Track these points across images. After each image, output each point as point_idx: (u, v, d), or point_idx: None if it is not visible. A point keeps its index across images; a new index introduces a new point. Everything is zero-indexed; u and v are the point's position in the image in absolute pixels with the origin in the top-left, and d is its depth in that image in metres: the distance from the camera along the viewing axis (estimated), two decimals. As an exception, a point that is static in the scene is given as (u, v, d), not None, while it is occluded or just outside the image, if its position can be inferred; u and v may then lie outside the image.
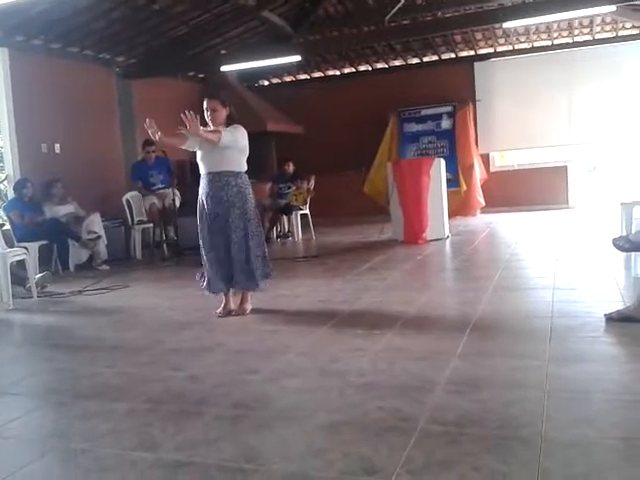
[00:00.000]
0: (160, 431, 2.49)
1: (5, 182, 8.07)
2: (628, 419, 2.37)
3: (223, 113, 4.40)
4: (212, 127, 4.37)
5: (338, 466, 2.09)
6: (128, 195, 8.60)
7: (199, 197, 4.49)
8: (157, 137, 4.11)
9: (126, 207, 8.52)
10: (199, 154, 4.44)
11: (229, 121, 4.43)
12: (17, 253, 5.87)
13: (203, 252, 4.52)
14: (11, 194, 7.61)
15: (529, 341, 3.43)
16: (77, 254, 7.56)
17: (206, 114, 4.37)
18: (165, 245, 8.56)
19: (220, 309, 4.56)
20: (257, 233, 4.53)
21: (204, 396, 2.87)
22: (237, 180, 4.40)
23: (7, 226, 7.16)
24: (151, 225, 8.52)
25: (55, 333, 4.57)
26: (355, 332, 3.85)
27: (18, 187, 7.35)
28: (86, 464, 2.25)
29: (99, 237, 7.69)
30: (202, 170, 4.46)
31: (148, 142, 8.58)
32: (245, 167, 4.50)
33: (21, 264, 5.94)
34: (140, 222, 8.57)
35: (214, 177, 4.38)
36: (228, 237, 4.38)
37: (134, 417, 2.68)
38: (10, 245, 6.28)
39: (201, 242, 4.53)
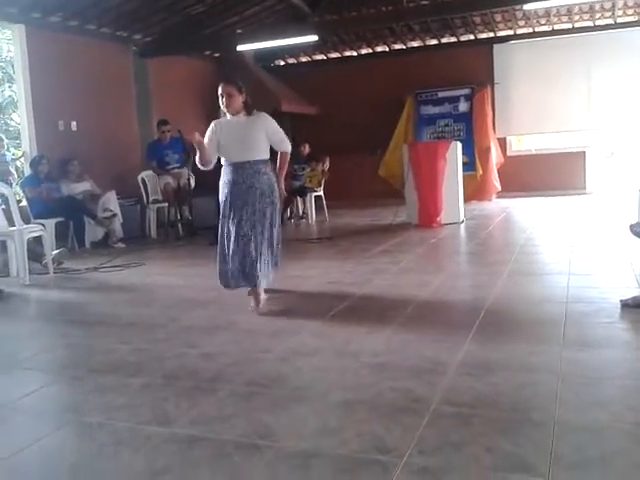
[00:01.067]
0: (174, 406, 2.52)
1: (22, 159, 8.11)
2: (642, 405, 2.37)
3: (239, 99, 4.10)
4: (227, 113, 4.14)
5: (351, 445, 2.10)
6: (143, 174, 8.63)
7: (221, 190, 4.20)
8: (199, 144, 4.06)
9: (141, 186, 8.56)
10: (222, 145, 4.16)
11: (249, 109, 4.17)
12: (34, 229, 5.92)
13: (226, 245, 4.15)
14: (28, 171, 7.66)
15: (543, 326, 3.42)
16: (93, 231, 7.62)
17: (221, 100, 4.09)
18: (180, 224, 8.59)
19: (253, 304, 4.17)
20: (278, 223, 4.36)
21: (218, 373, 2.90)
22: (267, 168, 4.17)
23: (24, 202, 7.22)
24: (166, 204, 8.55)
25: (70, 309, 4.61)
26: (368, 314, 3.85)
27: (34, 164, 7.39)
28: (101, 438, 2.28)
29: (115, 215, 7.74)
30: (228, 159, 4.15)
31: (163, 121, 8.60)
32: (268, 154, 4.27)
33: (38, 240, 5.99)
34: (155, 201, 8.61)
35: (243, 165, 4.08)
36: (254, 227, 4.09)
37: (149, 392, 2.70)
38: (27, 222, 6.33)
39: (226, 235, 4.16)
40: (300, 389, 2.66)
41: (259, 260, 4.07)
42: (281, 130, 4.26)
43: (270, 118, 4.23)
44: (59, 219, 7.17)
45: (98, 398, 2.68)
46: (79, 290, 5.30)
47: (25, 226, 5.86)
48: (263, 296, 4.19)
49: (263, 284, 4.17)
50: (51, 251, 6.16)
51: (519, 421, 2.22)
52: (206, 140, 4.15)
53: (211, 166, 4.22)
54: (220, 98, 4.09)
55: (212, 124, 4.22)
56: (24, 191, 7.29)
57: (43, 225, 6.23)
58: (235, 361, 3.07)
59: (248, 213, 4.08)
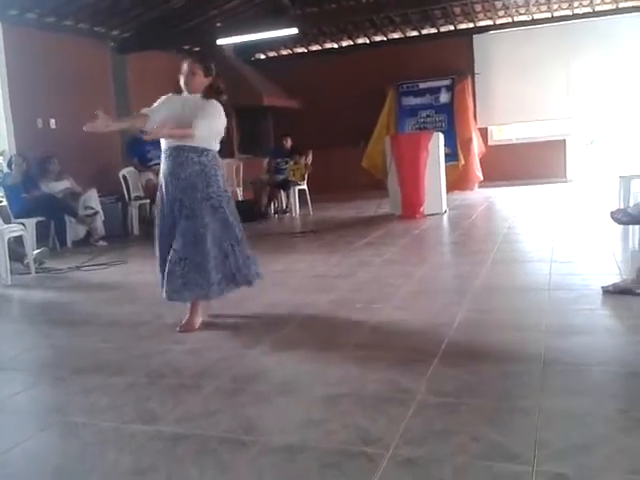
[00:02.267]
0: (159, 404, 2.50)
1: (0, 158, 8.01)
2: (625, 391, 2.39)
3: (203, 81, 3.64)
4: (185, 92, 3.66)
5: (337, 437, 2.10)
6: (124, 171, 8.56)
7: (159, 179, 3.74)
8: (106, 128, 3.49)
9: (123, 183, 8.49)
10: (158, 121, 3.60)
11: (210, 93, 3.67)
12: (14, 229, 5.86)
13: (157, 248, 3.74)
14: (6, 170, 7.57)
15: (526, 313, 3.44)
16: (74, 230, 7.56)
17: (181, 79, 3.63)
18: (162, 221, 8.52)
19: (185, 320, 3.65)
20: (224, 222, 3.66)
21: (203, 370, 2.88)
22: (200, 158, 3.58)
23: (4, 202, 7.13)
24: (148, 201, 8.49)
25: (53, 309, 4.57)
26: (354, 306, 3.86)
27: (11, 163, 7.30)
28: (86, 438, 2.26)
29: (96, 213, 7.68)
30: (162, 145, 3.69)
31: None
32: (214, 146, 3.68)
33: (19, 240, 5.92)
34: (137, 198, 8.55)
35: (172, 152, 3.60)
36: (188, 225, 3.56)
37: (133, 391, 2.69)
38: (7, 221, 6.26)
39: (158, 235, 3.70)
40: (285, 383, 2.65)
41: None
42: (217, 124, 3.63)
43: (213, 104, 3.64)
44: (40, 218, 7.09)
45: (82, 398, 2.66)
46: (61, 290, 5.25)
47: (5, 226, 5.79)
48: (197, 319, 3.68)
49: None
50: (32, 251, 6.10)
51: (504, 409, 2.23)
52: (148, 110, 3.67)
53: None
54: (181, 77, 3.64)
55: (164, 97, 3.76)
56: (4, 188, 7.20)
57: (24, 225, 6.16)
58: (220, 357, 3.06)
59: (177, 207, 3.61)
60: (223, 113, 3.68)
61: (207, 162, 3.61)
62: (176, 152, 3.59)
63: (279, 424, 2.26)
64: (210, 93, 3.68)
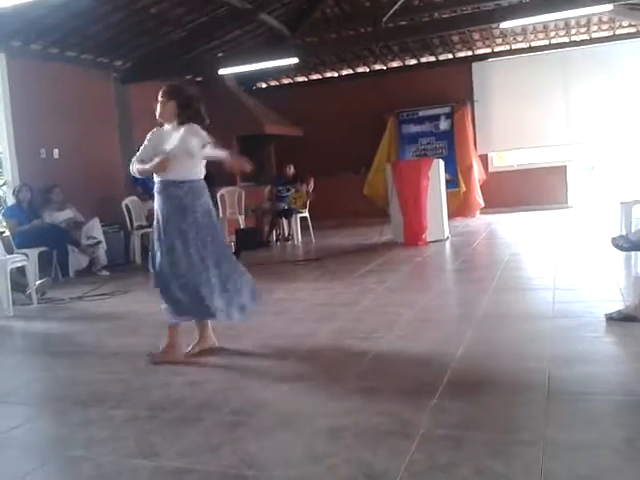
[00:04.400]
0: (160, 438, 2.48)
1: (4, 188, 8.06)
2: (630, 420, 2.36)
3: (169, 106, 3.61)
4: (162, 122, 3.70)
5: (340, 472, 2.07)
6: (127, 200, 8.60)
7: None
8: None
9: (125, 212, 8.51)
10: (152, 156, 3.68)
11: (182, 119, 3.60)
12: (17, 259, 5.86)
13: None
14: (11, 200, 7.60)
15: (530, 342, 3.42)
16: (77, 260, 7.55)
17: (156, 112, 3.70)
18: (165, 249, 8.52)
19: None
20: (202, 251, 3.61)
21: (204, 402, 2.86)
22: (177, 191, 3.57)
23: (7, 233, 7.15)
24: (150, 230, 8.49)
25: (55, 340, 4.55)
26: (356, 335, 3.83)
27: (15, 193, 7.35)
28: (86, 472, 2.24)
29: (99, 242, 7.68)
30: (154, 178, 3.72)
31: None
32: (194, 175, 3.63)
33: (21, 270, 5.92)
34: (139, 227, 8.56)
35: (159, 186, 3.67)
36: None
37: (134, 424, 2.66)
38: (10, 252, 6.27)
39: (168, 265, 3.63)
40: (286, 415, 2.63)
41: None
42: (181, 140, 3.54)
43: (185, 128, 3.57)
44: (42, 248, 7.09)
45: (83, 431, 2.64)
46: (63, 320, 5.23)
47: (8, 256, 5.80)
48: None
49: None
50: (34, 281, 6.09)
51: (509, 441, 2.20)
52: (141, 149, 3.73)
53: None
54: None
55: (150, 133, 3.79)
56: (6, 221, 7.22)
57: (26, 255, 6.17)
58: (221, 388, 3.04)
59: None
60: (197, 133, 3.56)
61: (183, 195, 3.58)
62: (160, 186, 3.65)
63: (281, 458, 2.23)
64: (182, 118, 3.62)
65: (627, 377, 2.82)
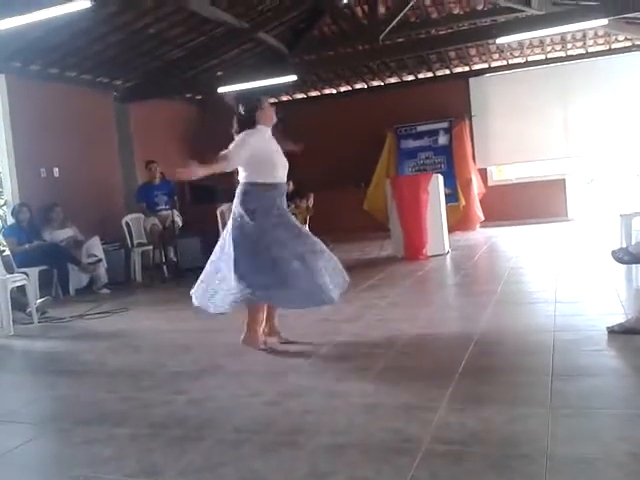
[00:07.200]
0: (162, 456, 2.47)
1: (4, 207, 8.08)
2: (634, 434, 2.35)
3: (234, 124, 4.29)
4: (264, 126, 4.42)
5: (343, 489, 2.07)
6: (127, 218, 8.62)
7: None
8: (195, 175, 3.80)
9: (125, 230, 8.53)
10: (263, 159, 4.27)
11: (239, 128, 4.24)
12: (17, 279, 5.87)
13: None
14: (10, 219, 7.62)
15: (532, 356, 3.42)
16: (77, 278, 7.56)
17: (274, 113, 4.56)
18: (165, 267, 8.55)
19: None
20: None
21: (206, 420, 2.85)
22: (237, 192, 4.11)
23: (7, 252, 7.16)
24: (150, 247, 8.52)
25: (56, 359, 4.54)
26: (358, 351, 3.83)
27: (15, 213, 7.37)
28: (88, 492, 2.24)
29: (99, 260, 7.69)
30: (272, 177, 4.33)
31: (151, 161, 8.68)
32: (250, 178, 4.09)
33: (21, 289, 5.93)
34: (140, 244, 8.57)
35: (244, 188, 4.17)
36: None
37: (136, 443, 2.66)
38: (10, 271, 6.28)
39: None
40: (290, 432, 2.62)
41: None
42: (234, 149, 4.03)
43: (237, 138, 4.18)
44: (43, 267, 7.10)
45: (85, 450, 2.63)
46: (64, 339, 5.23)
47: (8, 276, 5.80)
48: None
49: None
50: (35, 300, 6.10)
51: (511, 456, 2.19)
52: (235, 147, 4.01)
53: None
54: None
55: (244, 134, 4.13)
56: (6, 241, 7.24)
57: (26, 274, 6.18)
58: (223, 406, 3.03)
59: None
60: (240, 139, 4.07)
61: (237, 195, 4.10)
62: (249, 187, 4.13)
63: (284, 477, 2.22)
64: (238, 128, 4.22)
65: (629, 390, 2.82)
